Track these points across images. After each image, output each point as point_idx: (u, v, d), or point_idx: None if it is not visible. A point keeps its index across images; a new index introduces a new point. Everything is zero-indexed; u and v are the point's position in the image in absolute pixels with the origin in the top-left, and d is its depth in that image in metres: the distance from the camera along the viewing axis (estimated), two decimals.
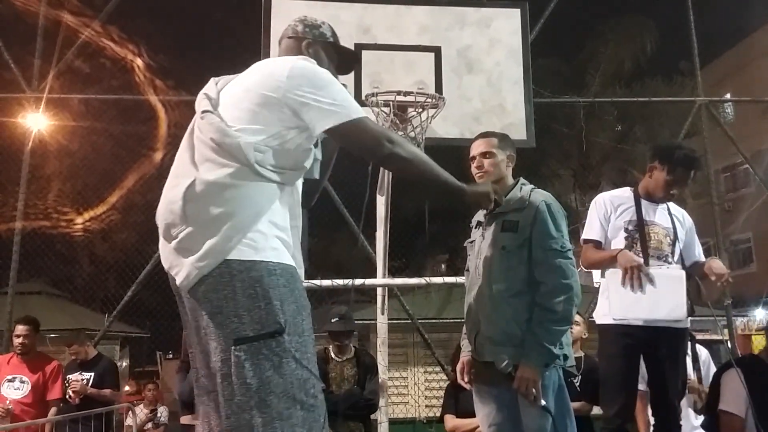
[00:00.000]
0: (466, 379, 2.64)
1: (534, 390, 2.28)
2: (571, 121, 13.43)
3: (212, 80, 1.96)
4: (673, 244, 3.08)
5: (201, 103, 1.85)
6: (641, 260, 2.93)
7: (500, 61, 5.33)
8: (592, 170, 15.33)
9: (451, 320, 8.23)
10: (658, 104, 11.97)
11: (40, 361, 4.83)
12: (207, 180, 1.70)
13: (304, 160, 1.85)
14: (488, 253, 2.49)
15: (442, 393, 4.64)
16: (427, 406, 8.99)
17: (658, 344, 2.92)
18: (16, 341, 4.72)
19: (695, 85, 7.53)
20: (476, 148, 2.66)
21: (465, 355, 2.64)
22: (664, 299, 2.85)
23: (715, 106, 7.81)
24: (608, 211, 3.13)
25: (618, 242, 3.09)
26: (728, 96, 14.19)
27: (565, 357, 2.41)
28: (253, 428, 1.59)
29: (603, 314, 3.08)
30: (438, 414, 4.37)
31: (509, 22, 5.42)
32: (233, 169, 1.70)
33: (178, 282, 1.72)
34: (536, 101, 5.66)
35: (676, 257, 3.08)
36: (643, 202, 3.11)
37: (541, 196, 2.47)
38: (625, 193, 3.20)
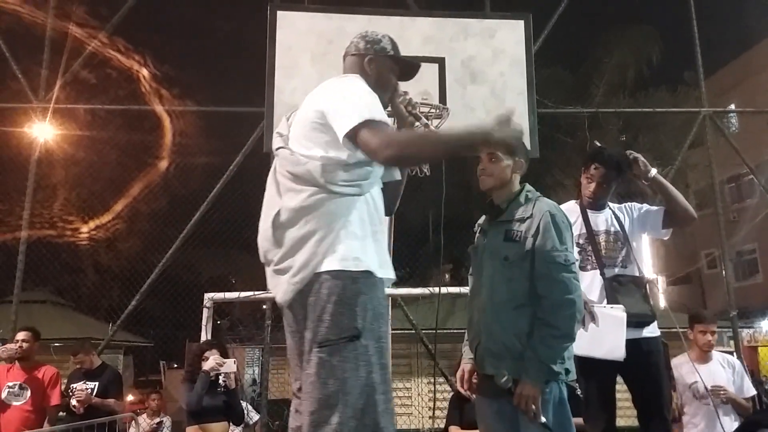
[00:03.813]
0: (465, 387, 2.59)
1: (534, 407, 2.23)
2: (575, 131, 13.43)
3: (284, 118, 2.15)
4: (625, 246, 3.06)
5: (275, 141, 2.06)
6: (586, 297, 2.90)
7: (504, 71, 5.35)
8: None
9: (455, 330, 8.19)
10: (662, 115, 11.96)
11: (39, 368, 4.86)
12: (289, 207, 1.91)
13: (372, 169, 1.97)
14: (490, 262, 2.45)
15: (446, 404, 4.62)
16: (430, 417, 8.94)
17: (635, 357, 2.87)
18: (16, 346, 4.75)
19: (699, 96, 7.52)
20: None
21: (465, 363, 2.59)
22: (605, 338, 2.83)
23: (720, 116, 7.83)
24: None
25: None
26: (733, 106, 14.20)
27: (567, 371, 2.35)
28: (332, 425, 1.74)
29: None
30: (442, 425, 4.35)
31: (513, 33, 5.44)
32: (308, 193, 1.90)
33: (278, 299, 1.91)
34: (540, 111, 5.67)
35: (630, 258, 3.06)
36: (589, 213, 3.12)
37: (545, 206, 2.40)
38: (572, 206, 3.20)
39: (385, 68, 2.19)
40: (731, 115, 15.45)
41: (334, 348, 1.78)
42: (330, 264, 1.84)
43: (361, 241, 1.91)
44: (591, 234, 3.06)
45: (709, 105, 7.42)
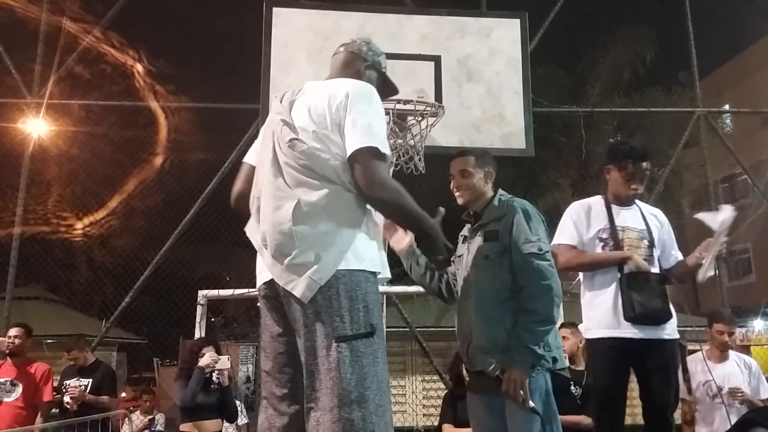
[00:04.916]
0: None
1: (522, 391, 2.31)
2: (570, 131, 13.44)
3: (275, 99, 2.11)
4: (650, 247, 3.03)
5: (283, 130, 1.97)
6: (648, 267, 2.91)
7: (500, 70, 5.35)
8: (591, 180, 15.33)
9: (450, 329, 8.18)
10: (657, 114, 11.98)
11: (31, 364, 4.85)
12: (310, 201, 1.88)
13: None
14: (473, 264, 2.56)
15: (440, 402, 4.62)
16: (425, 415, 8.96)
17: (648, 356, 2.87)
18: (8, 341, 4.74)
19: (694, 96, 7.54)
20: (454, 167, 2.73)
21: None
22: (720, 213, 2.93)
23: (714, 116, 7.82)
24: (583, 219, 3.10)
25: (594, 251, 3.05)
26: (727, 107, 14.25)
27: (555, 360, 2.44)
28: (353, 422, 1.75)
29: (587, 328, 3.05)
30: (436, 423, 4.36)
31: (509, 32, 5.45)
32: (329, 190, 1.89)
33: (298, 294, 1.84)
34: (535, 110, 5.67)
35: (655, 261, 3.03)
36: (614, 208, 3.09)
37: (517, 203, 2.55)
38: (597, 201, 3.18)
39: (374, 81, 2.22)
40: (726, 115, 15.51)
41: (352, 344, 1.81)
42: (351, 263, 1.87)
43: (372, 240, 1.97)
44: (614, 229, 3.03)
45: (703, 105, 7.44)
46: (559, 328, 3.68)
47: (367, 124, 1.90)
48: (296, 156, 1.91)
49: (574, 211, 3.15)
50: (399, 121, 4.69)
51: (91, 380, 4.95)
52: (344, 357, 1.79)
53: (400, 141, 4.75)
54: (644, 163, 3.08)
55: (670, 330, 2.96)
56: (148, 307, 9.50)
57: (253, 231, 2.04)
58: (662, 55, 15.17)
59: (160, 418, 6.31)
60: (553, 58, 13.45)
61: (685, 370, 3.49)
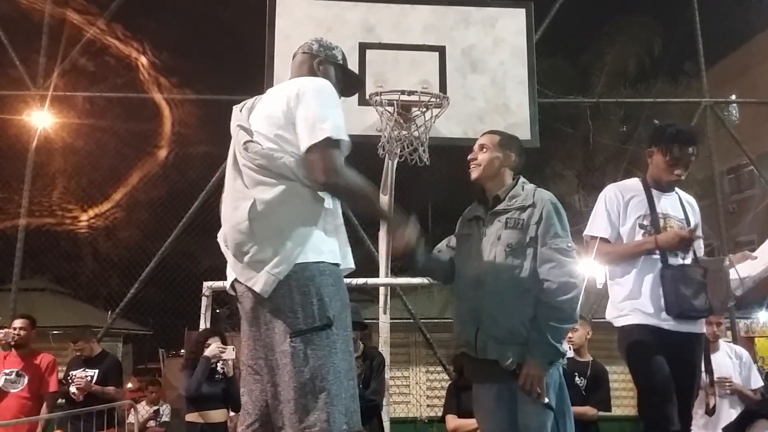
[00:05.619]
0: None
1: (538, 387, 2.30)
2: (576, 122, 13.37)
3: (236, 109, 2.18)
4: None
5: (239, 134, 2.06)
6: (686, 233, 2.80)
7: (505, 60, 5.32)
8: (596, 171, 15.29)
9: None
10: (663, 105, 11.89)
11: (36, 355, 4.89)
12: (265, 199, 1.94)
13: None
14: (491, 250, 2.46)
15: (443, 393, 4.63)
16: (428, 405, 8.98)
17: (681, 349, 2.79)
18: (13, 332, 4.76)
19: (700, 86, 7.50)
20: (477, 142, 2.69)
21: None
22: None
23: (720, 107, 7.82)
24: (620, 205, 2.94)
25: (635, 239, 2.91)
26: (733, 97, 14.14)
27: (563, 355, 2.45)
28: (309, 412, 1.82)
29: (622, 314, 2.90)
30: (440, 414, 4.37)
31: (514, 22, 5.41)
32: (285, 187, 1.95)
33: (258, 289, 1.90)
34: (540, 101, 5.64)
35: (693, 249, 2.90)
36: (654, 192, 2.95)
37: (546, 195, 2.49)
38: (635, 184, 3.03)
39: (332, 76, 2.27)
40: (732, 105, 15.40)
41: (306, 337, 1.85)
42: (308, 256, 1.92)
43: (331, 233, 2.02)
44: (655, 216, 2.89)
45: (710, 96, 7.40)
46: None
47: (315, 117, 1.94)
48: (251, 157, 1.97)
49: (608, 198, 2.98)
50: (403, 112, 4.68)
51: (97, 371, 4.98)
52: (298, 351, 1.84)
53: (404, 132, 4.74)
54: (691, 148, 2.91)
55: (701, 323, 2.90)
56: (154, 298, 9.52)
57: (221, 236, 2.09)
58: (668, 46, 15.05)
59: (165, 409, 6.36)
60: (559, 48, 13.37)
61: (708, 362, 3.44)
